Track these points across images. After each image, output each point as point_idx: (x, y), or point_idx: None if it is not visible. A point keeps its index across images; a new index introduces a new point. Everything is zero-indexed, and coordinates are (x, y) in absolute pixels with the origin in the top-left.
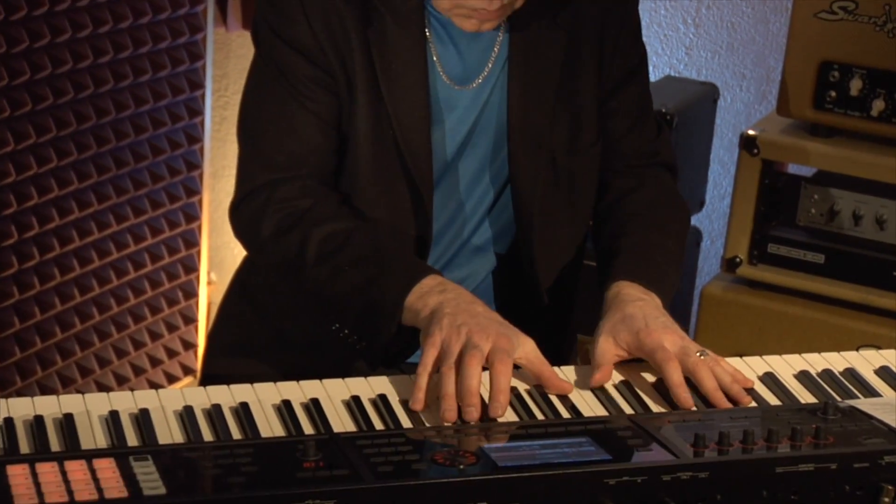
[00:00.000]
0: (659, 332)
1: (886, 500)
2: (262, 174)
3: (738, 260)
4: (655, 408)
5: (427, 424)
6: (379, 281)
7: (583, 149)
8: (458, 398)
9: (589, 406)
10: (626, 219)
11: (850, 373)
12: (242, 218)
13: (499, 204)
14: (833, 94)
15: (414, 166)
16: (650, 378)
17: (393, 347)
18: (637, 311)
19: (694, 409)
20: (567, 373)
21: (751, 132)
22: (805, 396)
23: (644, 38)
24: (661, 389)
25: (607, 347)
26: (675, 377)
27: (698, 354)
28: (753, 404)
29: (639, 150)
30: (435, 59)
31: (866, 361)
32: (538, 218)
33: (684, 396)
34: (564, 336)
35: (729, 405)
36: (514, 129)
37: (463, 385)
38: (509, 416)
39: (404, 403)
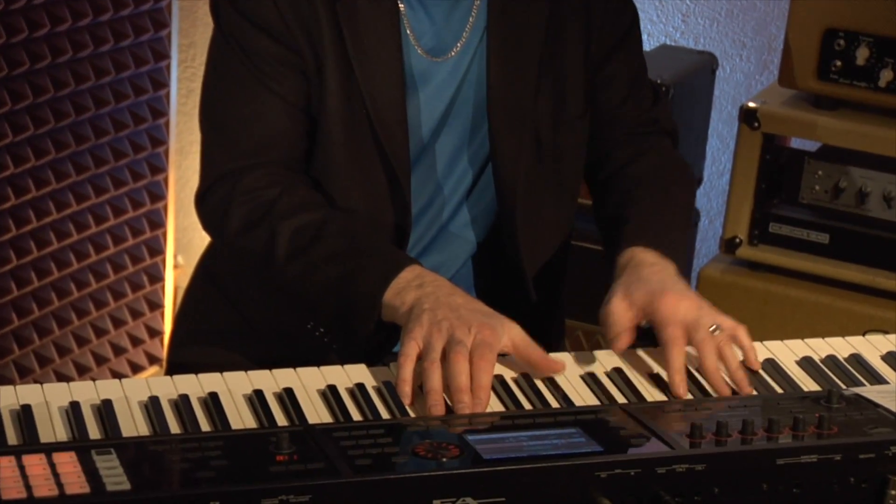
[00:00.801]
0: (675, 298)
1: (893, 492)
2: (226, 162)
3: (737, 240)
4: (650, 396)
5: (409, 415)
6: (354, 277)
7: (568, 122)
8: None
9: (579, 395)
10: (631, 187)
11: (856, 359)
12: (207, 210)
13: (479, 184)
14: (838, 63)
15: (389, 147)
16: (644, 365)
17: (371, 345)
18: (654, 274)
19: (689, 397)
20: (560, 360)
21: (751, 104)
22: (808, 384)
23: (637, 5)
24: (656, 377)
25: (622, 310)
26: (676, 362)
27: (711, 329)
28: (754, 393)
29: (637, 118)
30: (408, 30)
31: (872, 347)
32: (521, 198)
33: (678, 383)
34: (552, 322)
35: (727, 391)
36: (495, 104)
37: (452, 383)
38: (495, 405)
39: (382, 393)
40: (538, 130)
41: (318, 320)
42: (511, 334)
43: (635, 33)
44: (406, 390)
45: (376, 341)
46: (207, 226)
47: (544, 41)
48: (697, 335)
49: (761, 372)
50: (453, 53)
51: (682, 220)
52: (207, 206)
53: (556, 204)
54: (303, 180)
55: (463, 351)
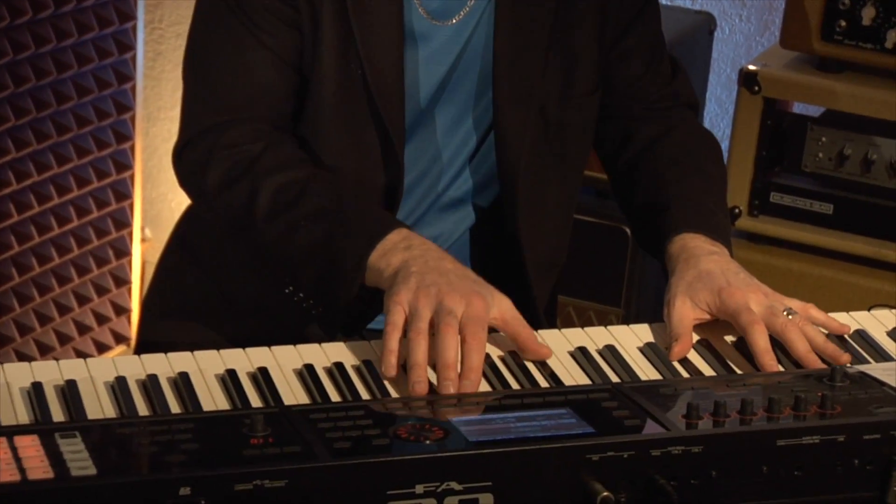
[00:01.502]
0: (743, 291)
1: None
2: (209, 115)
3: (737, 211)
4: (644, 375)
5: (391, 395)
6: (339, 238)
7: (577, 99)
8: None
9: (570, 374)
10: (663, 168)
11: (861, 335)
12: (186, 165)
13: (478, 156)
14: (843, 23)
15: (384, 109)
16: (638, 342)
17: (353, 312)
18: (714, 266)
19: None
20: (550, 337)
21: (751, 67)
22: None
23: None
24: (649, 354)
25: (685, 312)
26: (762, 343)
27: (785, 313)
28: (780, 367)
29: (658, 92)
30: None
31: (878, 322)
32: (524, 173)
33: (770, 364)
34: (546, 301)
35: (823, 366)
36: (500, 75)
37: (440, 358)
38: (482, 385)
39: (362, 372)
40: (545, 105)
41: (298, 284)
42: (501, 307)
43: (653, 3)
44: (392, 361)
45: (357, 309)
46: (185, 182)
47: (555, 13)
48: (777, 322)
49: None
50: (457, 19)
51: (722, 199)
52: (186, 161)
53: (559, 182)
54: (288, 138)
55: (453, 323)
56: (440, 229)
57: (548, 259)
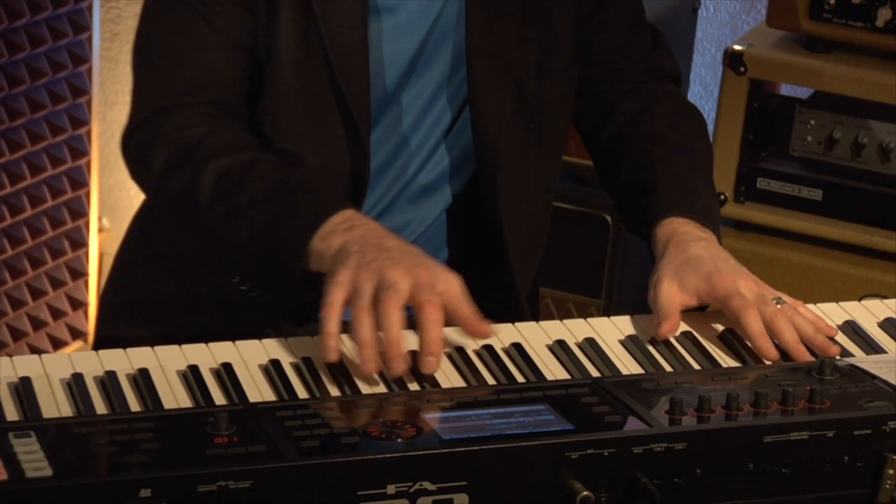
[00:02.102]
0: (733, 276)
1: (891, 471)
2: (156, 100)
3: (722, 197)
4: (625, 369)
5: (361, 391)
6: (280, 222)
7: (554, 73)
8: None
9: (548, 368)
10: (649, 145)
11: (851, 326)
12: (132, 151)
13: (453, 133)
14: (832, 1)
15: (349, 93)
16: (619, 335)
17: (301, 300)
18: (703, 252)
19: (777, 358)
20: (527, 329)
21: (737, 47)
22: None
23: None
24: (631, 347)
25: (673, 294)
26: (756, 326)
27: (775, 302)
28: (838, 353)
29: (639, 65)
30: None
31: (869, 313)
32: (503, 151)
33: (767, 347)
34: (528, 289)
35: (811, 357)
36: (475, 49)
37: (385, 336)
38: (455, 380)
39: (331, 367)
40: (521, 79)
41: (242, 272)
42: (448, 284)
43: None
44: (331, 345)
45: (305, 297)
46: (132, 169)
47: None
48: (766, 310)
49: (748, 341)
50: None
51: (709, 177)
52: (132, 147)
53: (538, 162)
54: (236, 123)
55: (395, 297)
56: (413, 215)
57: (529, 241)
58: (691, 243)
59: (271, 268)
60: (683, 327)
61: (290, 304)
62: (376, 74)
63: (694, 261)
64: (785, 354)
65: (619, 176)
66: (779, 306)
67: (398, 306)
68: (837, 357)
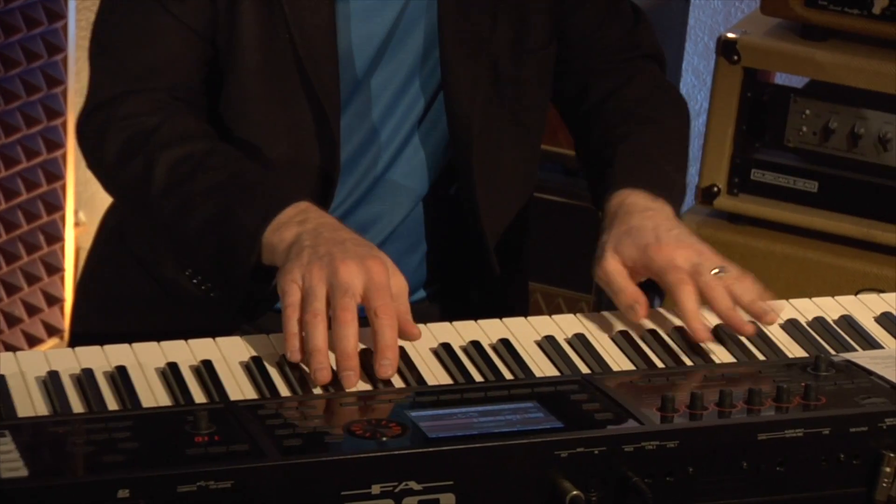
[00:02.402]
0: (671, 247)
1: (888, 469)
2: (109, 87)
3: (715, 189)
4: (616, 366)
5: (345, 389)
6: (233, 214)
7: (530, 53)
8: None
9: (537, 365)
10: (617, 121)
11: (847, 321)
12: (85, 139)
13: (425, 124)
14: None
15: (317, 78)
16: (609, 330)
17: (253, 294)
18: (646, 221)
19: (711, 341)
20: (515, 325)
21: (730, 35)
22: (793, 349)
23: None
24: (622, 343)
25: (616, 268)
26: (689, 304)
27: (715, 272)
28: (779, 322)
29: (617, 42)
30: None
31: (865, 307)
32: (478, 137)
33: (698, 327)
34: (514, 284)
35: (750, 327)
36: (447, 30)
37: (337, 348)
38: (442, 377)
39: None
40: (496, 61)
41: (195, 266)
42: (395, 280)
43: None
44: (295, 346)
45: (259, 291)
46: (87, 158)
47: None
48: (701, 279)
49: (740, 337)
50: None
51: (677, 153)
52: (85, 135)
53: (516, 146)
54: (192, 111)
55: (350, 305)
56: (386, 205)
57: (509, 231)
58: (636, 214)
59: (223, 261)
60: (675, 322)
61: (241, 298)
62: (345, 58)
63: (634, 232)
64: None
65: (586, 153)
66: (719, 275)
67: (353, 315)
68: (833, 353)
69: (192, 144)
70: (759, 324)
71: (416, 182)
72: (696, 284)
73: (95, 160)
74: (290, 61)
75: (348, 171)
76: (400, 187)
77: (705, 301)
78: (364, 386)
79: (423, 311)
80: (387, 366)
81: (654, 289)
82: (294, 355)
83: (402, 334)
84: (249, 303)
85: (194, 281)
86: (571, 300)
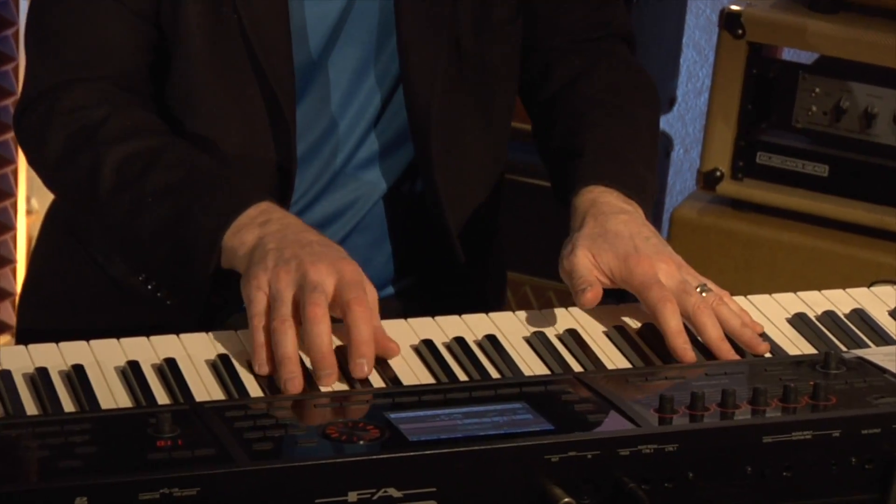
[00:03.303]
0: (652, 260)
1: None
2: (49, 75)
3: (718, 174)
4: (610, 363)
5: (320, 388)
6: (190, 215)
7: (495, 27)
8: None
9: (526, 363)
10: (584, 108)
11: (859, 315)
12: (24, 133)
13: (388, 112)
14: None
15: (268, 63)
16: (603, 325)
17: (209, 301)
18: (623, 227)
19: (694, 360)
20: (501, 319)
21: (734, 7)
22: (801, 346)
23: None
24: (616, 339)
25: (587, 265)
26: (673, 323)
27: (699, 291)
28: (769, 354)
29: (585, 19)
30: None
31: (879, 300)
32: (437, 118)
33: (683, 348)
34: (486, 277)
35: (736, 356)
36: (405, 6)
37: (311, 348)
38: (423, 376)
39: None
40: (458, 37)
41: (148, 270)
42: (368, 290)
43: None
44: (262, 358)
45: (219, 297)
46: (26, 153)
47: None
48: (689, 301)
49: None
50: None
51: (648, 149)
52: (24, 128)
53: (482, 131)
54: (138, 102)
55: (321, 301)
56: (347, 201)
57: (476, 219)
58: (611, 216)
59: (179, 265)
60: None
61: (199, 304)
62: (298, 40)
63: (611, 237)
64: (707, 354)
65: (549, 141)
66: (703, 295)
67: (324, 312)
68: (843, 349)
69: (142, 140)
70: (765, 317)
71: (379, 175)
72: (679, 302)
73: (36, 157)
74: (239, 45)
75: (307, 164)
76: (362, 181)
77: (692, 325)
78: (340, 386)
79: (391, 309)
80: (362, 364)
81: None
82: (262, 368)
83: (379, 350)
84: (208, 310)
85: (148, 287)
86: (563, 293)
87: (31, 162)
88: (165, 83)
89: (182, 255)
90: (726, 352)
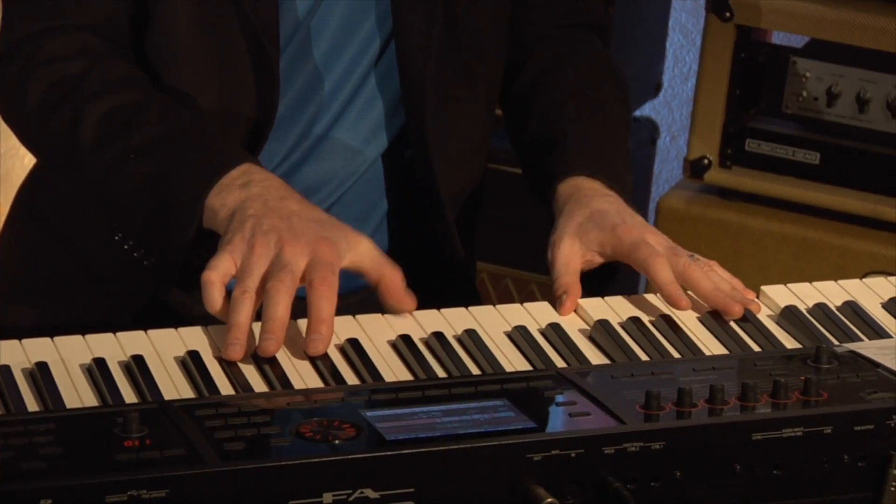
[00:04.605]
0: (640, 229)
1: None
2: (26, 24)
3: (705, 162)
4: (595, 359)
5: (293, 386)
6: (173, 173)
7: None
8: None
9: (507, 358)
10: (562, 98)
11: (851, 307)
12: (2, 83)
13: (377, 74)
14: None
15: (256, 16)
16: (587, 320)
17: (190, 262)
18: (608, 206)
19: (689, 307)
20: (483, 314)
21: None
22: (792, 339)
23: None
24: (601, 334)
25: (572, 255)
26: (665, 274)
27: (689, 257)
28: (756, 347)
29: (564, 5)
30: None
31: (872, 292)
32: (432, 88)
33: (677, 294)
34: (470, 258)
35: (737, 306)
36: None
37: (264, 313)
38: (401, 372)
39: (258, 359)
40: (452, 5)
41: (127, 229)
42: (359, 249)
43: None
44: (223, 314)
45: (197, 259)
46: (2, 106)
47: None
48: (679, 262)
49: (733, 325)
50: None
51: (625, 147)
52: (1, 79)
53: (472, 99)
54: (120, 53)
55: (287, 280)
56: (333, 167)
57: (464, 194)
58: (595, 198)
59: (160, 224)
60: (661, 309)
61: (177, 265)
62: None
63: (597, 215)
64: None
65: (525, 130)
66: (694, 260)
67: (288, 290)
68: (835, 343)
69: (124, 94)
70: (751, 310)
71: (366, 143)
72: (670, 264)
73: (12, 110)
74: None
75: (287, 126)
76: (347, 149)
77: (685, 283)
78: (314, 382)
79: (375, 301)
80: (317, 340)
81: (604, 276)
82: (213, 305)
83: (397, 303)
84: (187, 270)
85: (125, 246)
86: (546, 286)
87: (7, 117)
88: (145, 34)
89: (163, 212)
90: (723, 301)
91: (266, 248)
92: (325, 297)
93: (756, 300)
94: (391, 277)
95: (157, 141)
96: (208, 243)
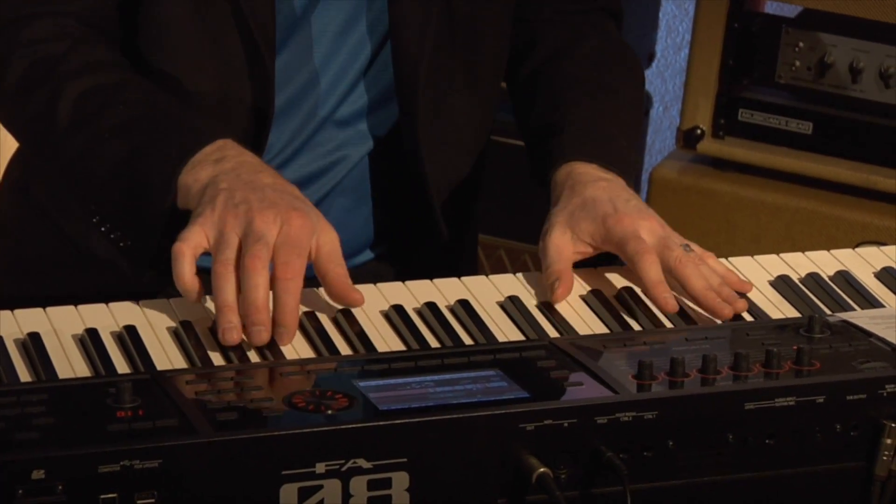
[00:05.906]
0: (632, 217)
1: (889, 441)
2: (9, 8)
3: (698, 132)
4: (587, 329)
5: (285, 356)
6: (146, 152)
7: None
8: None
9: (500, 328)
10: (566, 84)
11: (844, 276)
12: None
13: (375, 68)
14: None
15: (249, 7)
16: (579, 289)
17: (164, 244)
18: (601, 193)
19: (676, 310)
20: (475, 284)
21: None
22: (784, 309)
23: None
24: (594, 304)
25: (563, 244)
26: (653, 273)
27: (682, 246)
28: (748, 317)
29: None
30: None
31: (864, 262)
32: (425, 84)
33: (664, 297)
34: (462, 246)
35: (727, 308)
36: None
37: (245, 299)
38: (393, 343)
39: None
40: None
41: (102, 211)
42: (322, 238)
43: None
44: (190, 286)
45: (171, 241)
46: None
47: None
48: (671, 255)
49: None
50: None
51: (630, 125)
52: None
53: (469, 93)
54: (103, 39)
55: (262, 254)
56: (331, 159)
57: (458, 190)
58: (589, 184)
59: (135, 204)
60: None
61: (154, 247)
62: None
63: (589, 204)
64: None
65: (529, 117)
66: (687, 252)
67: (264, 265)
68: (828, 313)
69: (101, 75)
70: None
71: (361, 134)
72: (661, 257)
73: None
74: None
75: (285, 117)
76: (343, 140)
77: (675, 279)
78: (306, 353)
79: (368, 273)
80: (283, 333)
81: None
82: (191, 295)
83: (342, 300)
84: (163, 254)
85: (102, 229)
86: (539, 257)
87: None
88: (136, 20)
89: (138, 193)
90: (713, 301)
91: (237, 218)
92: (287, 290)
93: (744, 298)
94: (336, 275)
95: (130, 121)
96: (182, 224)
